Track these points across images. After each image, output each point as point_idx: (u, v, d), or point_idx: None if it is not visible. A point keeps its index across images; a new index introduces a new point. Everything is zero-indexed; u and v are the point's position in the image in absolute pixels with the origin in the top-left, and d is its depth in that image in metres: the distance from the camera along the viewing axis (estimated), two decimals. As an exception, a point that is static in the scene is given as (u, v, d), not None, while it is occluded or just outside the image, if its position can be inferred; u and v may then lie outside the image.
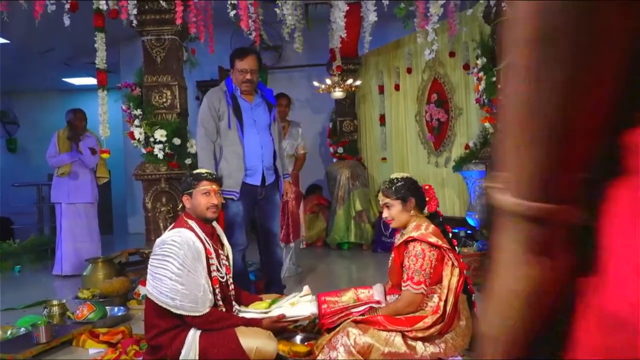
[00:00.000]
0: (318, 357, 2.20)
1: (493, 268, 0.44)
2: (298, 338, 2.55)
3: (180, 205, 2.47)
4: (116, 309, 3.43)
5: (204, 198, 2.37)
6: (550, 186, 0.39)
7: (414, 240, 2.15)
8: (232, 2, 3.84)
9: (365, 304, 2.28)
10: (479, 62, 3.92)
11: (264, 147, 3.27)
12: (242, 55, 3.23)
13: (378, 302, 2.28)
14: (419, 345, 2.08)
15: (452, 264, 2.14)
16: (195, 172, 2.52)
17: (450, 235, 2.30)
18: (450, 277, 2.13)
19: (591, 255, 0.39)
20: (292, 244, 4.42)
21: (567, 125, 0.37)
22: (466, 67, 4.65)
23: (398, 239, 2.31)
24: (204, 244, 2.28)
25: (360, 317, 2.19)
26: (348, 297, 2.33)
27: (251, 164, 3.21)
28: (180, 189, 2.55)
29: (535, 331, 0.43)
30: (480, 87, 3.90)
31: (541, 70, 0.37)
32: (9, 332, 2.99)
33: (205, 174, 2.45)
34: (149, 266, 2.25)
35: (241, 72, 3.20)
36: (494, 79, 3.73)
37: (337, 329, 2.19)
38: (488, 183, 0.43)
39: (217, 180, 2.49)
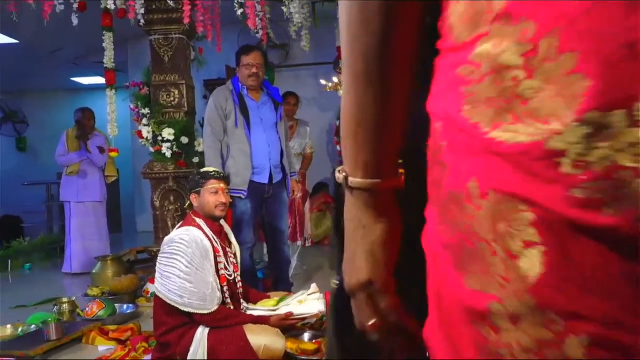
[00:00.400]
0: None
1: (345, 233, 0.56)
2: (306, 336, 2.55)
3: (188, 204, 2.48)
4: (125, 306, 3.45)
5: (212, 196, 2.38)
6: (373, 166, 0.52)
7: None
8: (240, 0, 3.84)
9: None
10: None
11: (271, 145, 3.28)
12: (247, 50, 3.27)
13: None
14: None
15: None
16: (203, 170, 2.54)
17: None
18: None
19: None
20: (299, 242, 4.43)
21: (379, 127, 0.51)
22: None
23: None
24: (212, 242, 2.29)
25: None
26: (355, 295, 2.34)
27: (258, 163, 3.22)
28: (188, 188, 2.56)
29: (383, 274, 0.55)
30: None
31: (354, 89, 0.50)
32: (20, 330, 3.02)
33: (213, 173, 2.46)
34: (157, 264, 2.27)
35: (247, 67, 3.21)
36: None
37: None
38: (338, 168, 0.56)
39: (225, 178, 2.50)
